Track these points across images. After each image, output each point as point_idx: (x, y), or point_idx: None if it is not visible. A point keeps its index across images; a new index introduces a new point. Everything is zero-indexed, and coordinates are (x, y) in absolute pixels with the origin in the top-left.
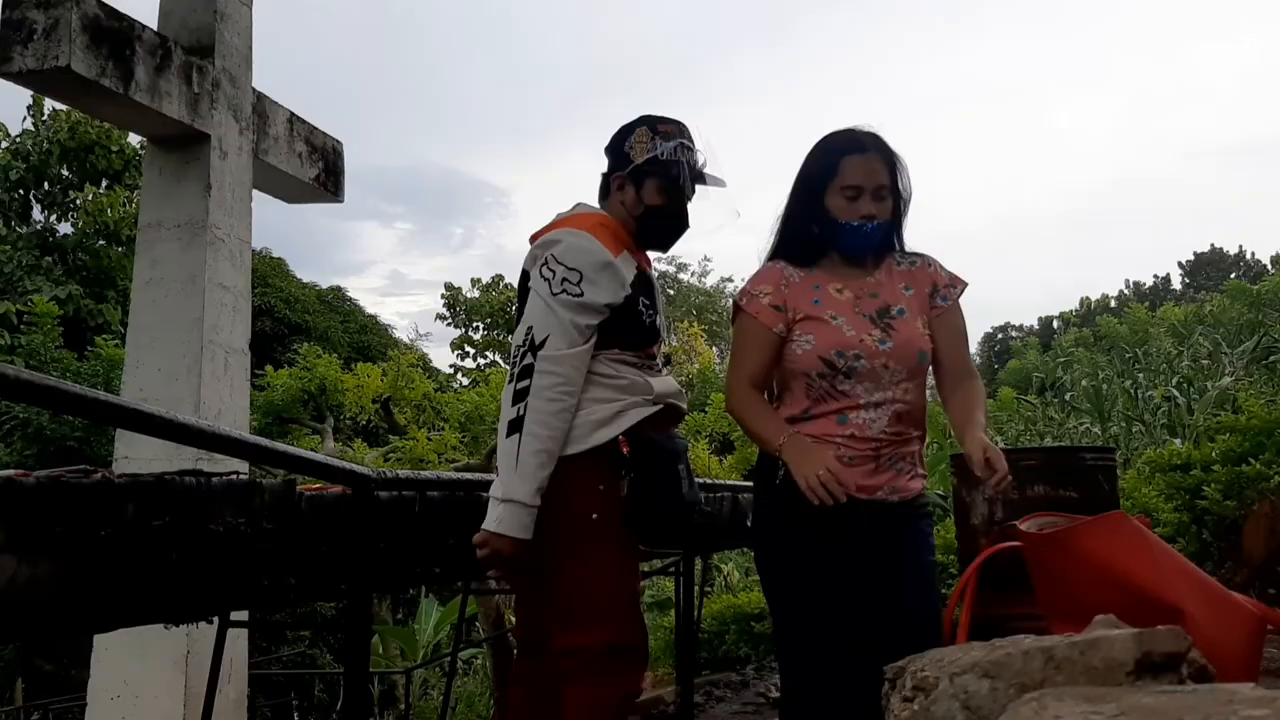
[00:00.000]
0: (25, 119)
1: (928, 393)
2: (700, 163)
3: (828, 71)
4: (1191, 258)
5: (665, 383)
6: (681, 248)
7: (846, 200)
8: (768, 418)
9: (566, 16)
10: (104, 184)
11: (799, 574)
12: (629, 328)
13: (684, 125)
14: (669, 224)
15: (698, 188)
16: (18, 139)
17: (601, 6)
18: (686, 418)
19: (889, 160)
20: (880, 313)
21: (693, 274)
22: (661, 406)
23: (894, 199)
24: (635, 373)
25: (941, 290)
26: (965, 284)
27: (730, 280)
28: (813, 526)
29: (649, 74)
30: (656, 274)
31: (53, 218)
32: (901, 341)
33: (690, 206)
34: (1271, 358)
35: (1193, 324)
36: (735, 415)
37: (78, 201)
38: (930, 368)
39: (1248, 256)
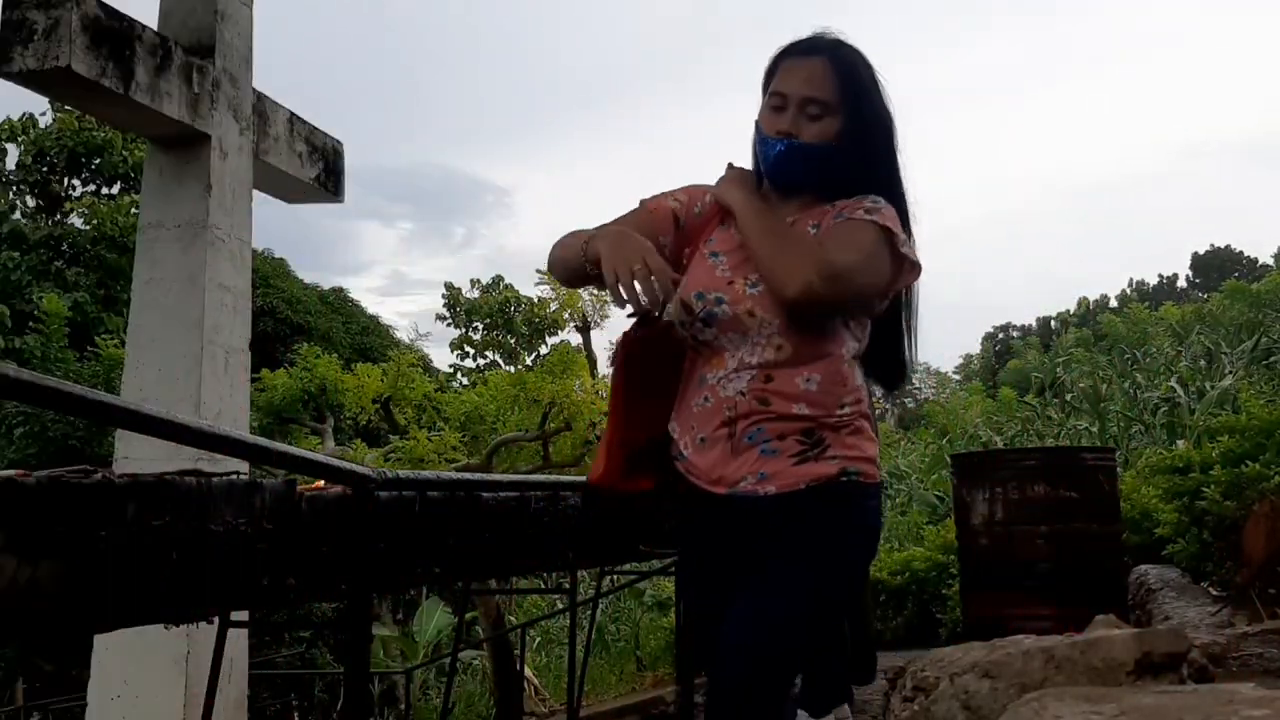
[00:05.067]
0: (45, 113)
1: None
2: None
3: None
4: (1209, 248)
5: None
6: None
7: (771, 110)
8: (575, 233)
9: (570, 16)
10: (116, 186)
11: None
12: None
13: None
14: None
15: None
16: (44, 128)
17: (604, 5)
18: None
19: (843, 71)
20: None
21: None
22: None
23: (849, 123)
24: None
25: (841, 209)
26: (884, 210)
27: None
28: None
29: (652, 72)
30: None
31: (53, 219)
32: None
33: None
34: (1271, 358)
35: (1191, 323)
36: (550, 262)
37: (67, 206)
38: (836, 320)
39: (1256, 257)
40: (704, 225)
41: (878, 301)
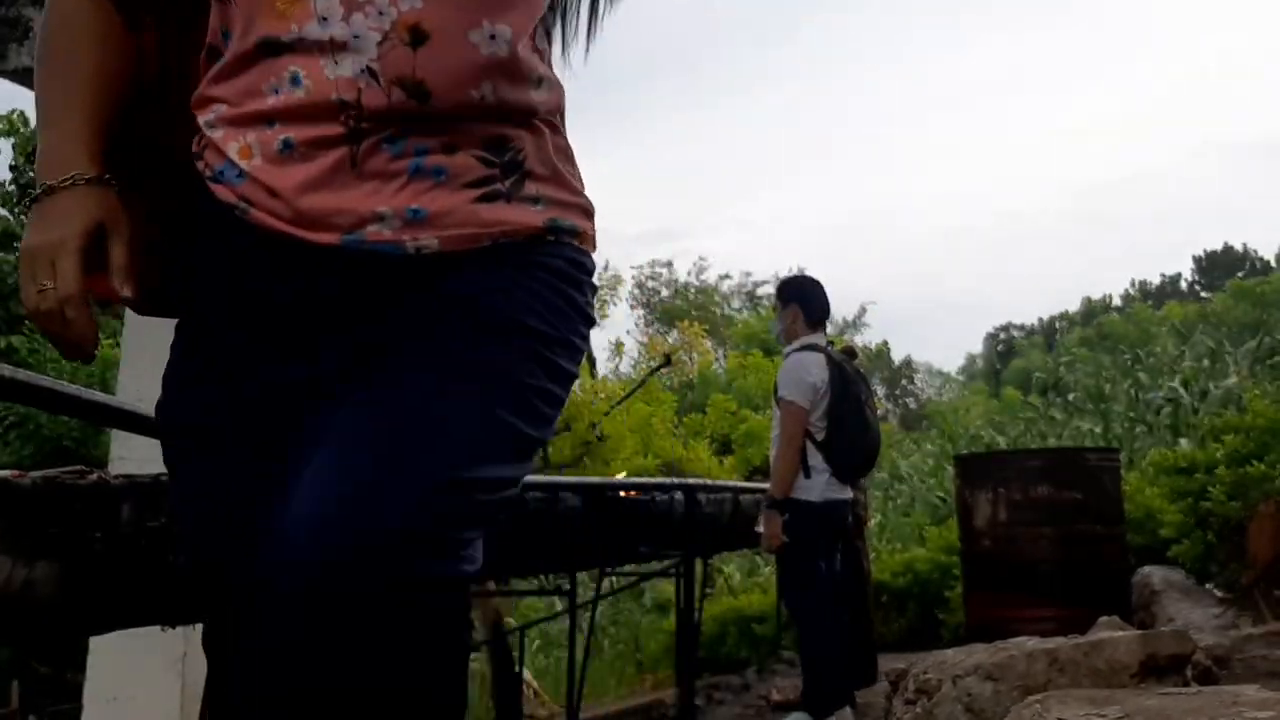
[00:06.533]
0: None
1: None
2: None
3: (830, 68)
4: (1221, 247)
5: None
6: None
7: None
8: (67, 75)
9: None
10: None
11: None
12: None
13: None
14: None
15: None
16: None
17: None
18: (685, 418)
19: None
20: None
21: (689, 272)
22: None
23: None
24: None
25: None
26: None
27: (728, 277)
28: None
29: (651, 70)
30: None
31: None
32: None
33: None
34: (1276, 356)
35: (1195, 323)
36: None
37: None
38: None
39: (1265, 258)
40: None
41: None
